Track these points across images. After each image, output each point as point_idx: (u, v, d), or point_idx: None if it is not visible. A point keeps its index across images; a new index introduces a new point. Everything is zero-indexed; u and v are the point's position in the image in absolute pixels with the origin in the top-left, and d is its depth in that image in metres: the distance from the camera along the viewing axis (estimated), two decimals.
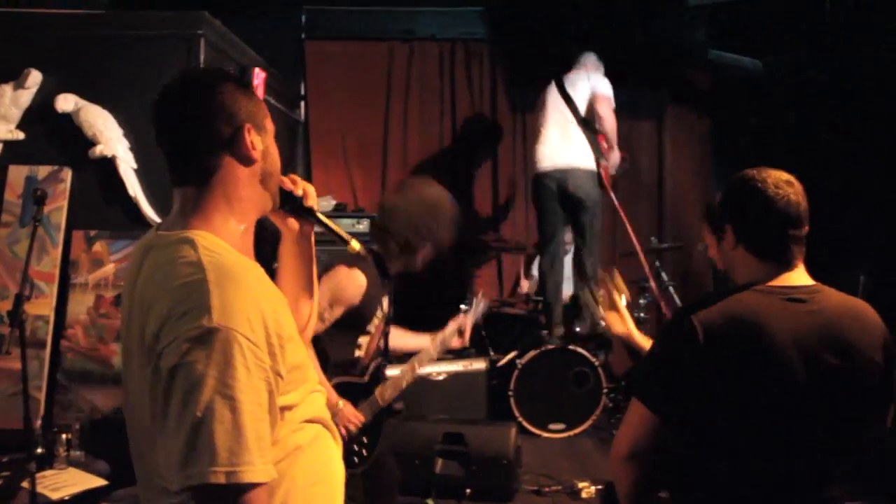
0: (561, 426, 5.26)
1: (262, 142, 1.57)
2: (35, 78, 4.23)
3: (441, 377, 5.07)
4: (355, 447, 2.99)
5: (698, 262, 6.69)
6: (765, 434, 1.82)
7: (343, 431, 2.88)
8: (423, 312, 6.47)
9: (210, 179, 1.51)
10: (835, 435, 1.83)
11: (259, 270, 1.50)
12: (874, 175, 5.42)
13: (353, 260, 2.87)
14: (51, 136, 4.31)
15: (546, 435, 5.20)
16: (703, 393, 1.84)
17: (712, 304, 1.96)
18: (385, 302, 3.10)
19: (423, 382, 5.03)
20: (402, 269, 3.09)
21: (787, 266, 1.91)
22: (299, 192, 1.75)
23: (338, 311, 2.89)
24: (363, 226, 5.55)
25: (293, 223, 1.80)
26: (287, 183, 1.71)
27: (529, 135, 6.78)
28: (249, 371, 1.32)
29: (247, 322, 1.33)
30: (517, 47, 6.67)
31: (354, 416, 2.94)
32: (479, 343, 5.68)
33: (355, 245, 1.85)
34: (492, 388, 5.26)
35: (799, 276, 1.91)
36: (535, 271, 6.37)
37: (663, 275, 5.85)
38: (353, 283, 2.91)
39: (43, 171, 4.29)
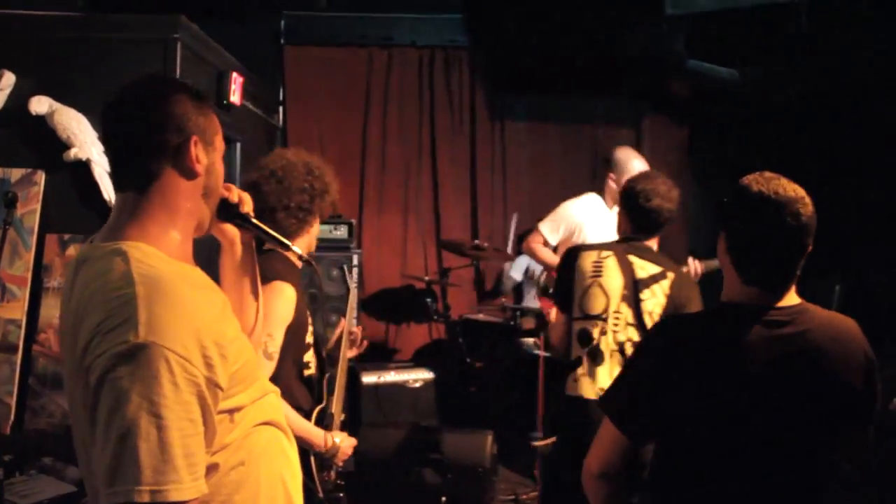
0: (539, 434, 5.25)
1: (207, 157, 1.56)
2: (8, 79, 4.18)
3: (417, 384, 5.06)
4: (338, 482, 2.86)
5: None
6: (733, 459, 1.80)
7: (341, 464, 2.70)
8: (396, 318, 6.51)
9: (149, 187, 1.50)
10: (806, 453, 1.81)
11: (196, 276, 1.51)
12: (849, 184, 5.47)
13: (272, 274, 2.55)
14: (24, 138, 4.25)
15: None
16: (671, 415, 1.82)
17: (686, 325, 1.97)
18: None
19: (400, 389, 5.01)
20: (306, 250, 2.81)
21: (774, 293, 1.83)
22: (234, 199, 1.74)
23: (280, 338, 2.53)
24: (341, 232, 5.54)
25: (231, 231, 1.80)
26: (222, 191, 1.69)
27: (508, 142, 6.81)
28: (177, 387, 1.30)
29: (175, 336, 1.32)
30: (496, 55, 6.68)
31: (351, 445, 2.75)
32: (456, 350, 5.68)
33: (296, 251, 1.88)
34: (468, 396, 5.26)
35: (786, 299, 1.84)
36: (511, 276, 6.38)
37: None
38: (283, 299, 2.57)
39: (16, 173, 4.24)
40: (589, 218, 4.72)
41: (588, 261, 3.29)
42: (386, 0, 6.65)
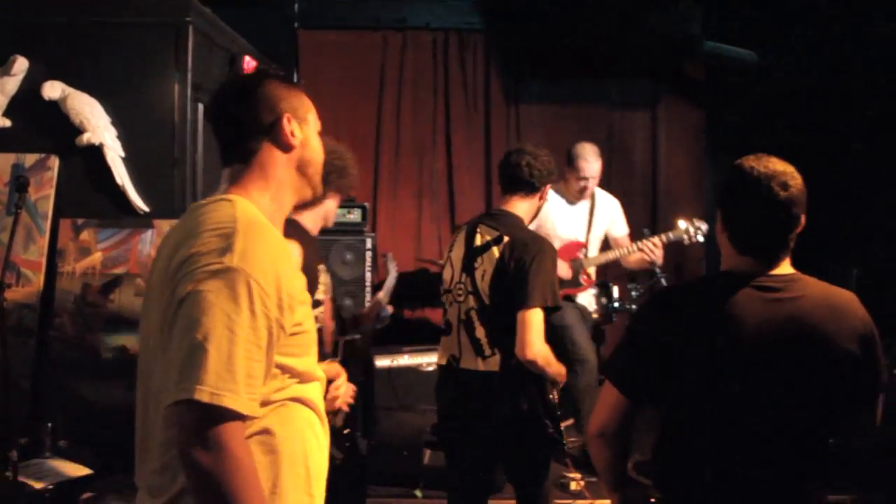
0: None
1: (302, 132, 1.76)
2: (21, 65, 4.19)
3: (430, 368, 5.05)
4: (345, 431, 2.96)
5: (692, 253, 6.67)
6: (730, 419, 1.84)
7: (346, 407, 2.79)
8: (410, 303, 6.51)
9: (251, 160, 1.72)
10: (803, 422, 1.83)
11: (285, 242, 1.66)
12: (870, 169, 5.41)
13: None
14: (37, 123, 4.27)
15: None
16: (667, 376, 1.88)
17: (683, 291, 2.09)
18: (322, 265, 3.04)
19: (412, 373, 5.01)
20: (318, 225, 3.06)
21: (767, 262, 1.89)
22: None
23: None
24: (355, 215, 5.53)
25: None
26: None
27: (523, 125, 6.78)
28: (255, 314, 1.46)
29: (262, 271, 1.49)
30: (511, 37, 6.64)
31: (350, 392, 2.78)
32: None
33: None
34: None
35: (779, 268, 1.90)
36: None
37: (656, 267, 5.83)
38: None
39: (30, 158, 4.26)
40: (554, 208, 5.01)
41: (453, 239, 3.53)
42: None
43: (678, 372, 1.86)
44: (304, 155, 1.77)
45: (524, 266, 3.08)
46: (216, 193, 1.73)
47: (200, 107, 4.42)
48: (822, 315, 1.82)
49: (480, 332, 3.17)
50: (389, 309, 3.50)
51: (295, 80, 6.63)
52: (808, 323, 1.81)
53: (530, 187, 3.32)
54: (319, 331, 2.91)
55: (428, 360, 5.04)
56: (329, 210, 3.06)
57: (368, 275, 5.46)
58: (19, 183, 3.23)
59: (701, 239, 5.02)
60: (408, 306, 6.54)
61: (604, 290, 5.58)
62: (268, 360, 1.50)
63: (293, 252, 2.70)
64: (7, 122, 4.25)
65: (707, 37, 6.39)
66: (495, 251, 3.18)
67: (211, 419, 1.38)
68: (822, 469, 1.87)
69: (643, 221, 6.40)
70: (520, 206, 3.35)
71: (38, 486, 3.35)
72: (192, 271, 1.47)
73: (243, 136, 1.73)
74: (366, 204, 5.70)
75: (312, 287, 2.79)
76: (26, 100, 4.22)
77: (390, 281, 3.73)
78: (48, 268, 4.22)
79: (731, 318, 1.82)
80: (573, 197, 5.08)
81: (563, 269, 4.72)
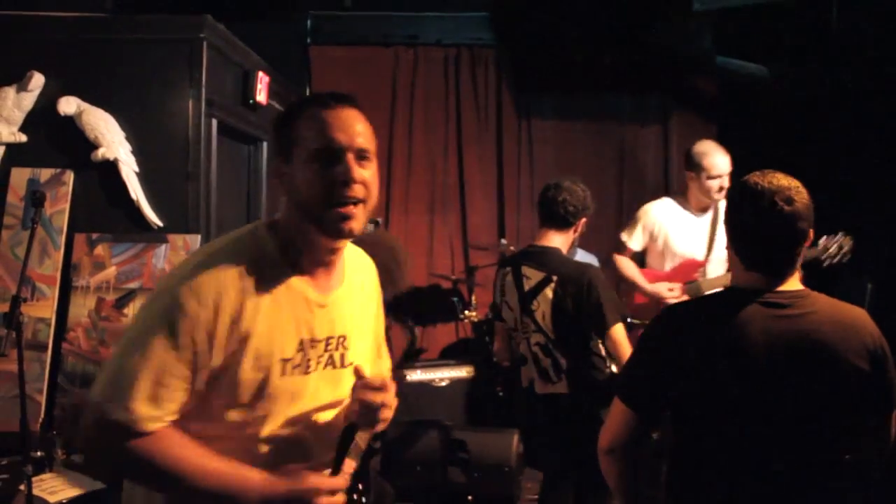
0: None
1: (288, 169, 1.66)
2: (38, 81, 4.23)
3: (444, 383, 5.05)
4: (354, 496, 2.90)
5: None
6: (739, 436, 1.83)
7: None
8: (422, 318, 6.50)
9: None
10: (813, 439, 1.82)
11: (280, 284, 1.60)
12: (882, 182, 5.39)
13: None
14: (53, 138, 4.31)
15: None
16: (675, 391, 1.87)
17: (691, 308, 2.07)
18: None
19: (426, 388, 5.00)
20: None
21: (775, 278, 1.89)
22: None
23: None
24: (367, 230, 5.53)
25: None
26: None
27: (535, 141, 6.78)
28: (175, 337, 1.47)
29: (196, 299, 1.48)
30: (522, 52, 6.65)
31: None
32: (483, 349, 5.66)
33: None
34: (495, 396, 5.23)
35: (786, 284, 1.89)
36: None
37: None
38: None
39: (45, 173, 4.29)
40: (671, 222, 4.33)
41: (500, 279, 3.69)
42: None
43: (687, 388, 1.85)
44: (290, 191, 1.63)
45: (583, 299, 3.29)
46: None
47: (214, 122, 4.45)
48: (830, 332, 1.81)
49: (546, 363, 3.40)
50: None
51: (307, 95, 6.67)
52: (817, 339, 1.80)
53: (565, 223, 3.47)
54: None
55: (441, 375, 5.04)
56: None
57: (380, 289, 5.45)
58: (35, 198, 3.24)
59: (844, 260, 4.20)
60: (419, 321, 6.54)
61: None
62: (183, 381, 1.49)
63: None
64: (23, 138, 4.29)
65: (718, 51, 6.41)
66: (548, 292, 3.36)
67: (98, 427, 1.48)
68: (837, 486, 1.85)
69: None
70: (556, 240, 3.49)
71: (52, 500, 3.35)
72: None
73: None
74: (378, 219, 5.71)
75: None
76: (42, 115, 4.26)
77: None
78: (62, 282, 4.25)
79: (738, 335, 1.81)
80: (698, 207, 4.32)
81: (668, 292, 4.16)
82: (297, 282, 1.61)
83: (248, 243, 1.60)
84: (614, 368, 3.35)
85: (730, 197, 1.97)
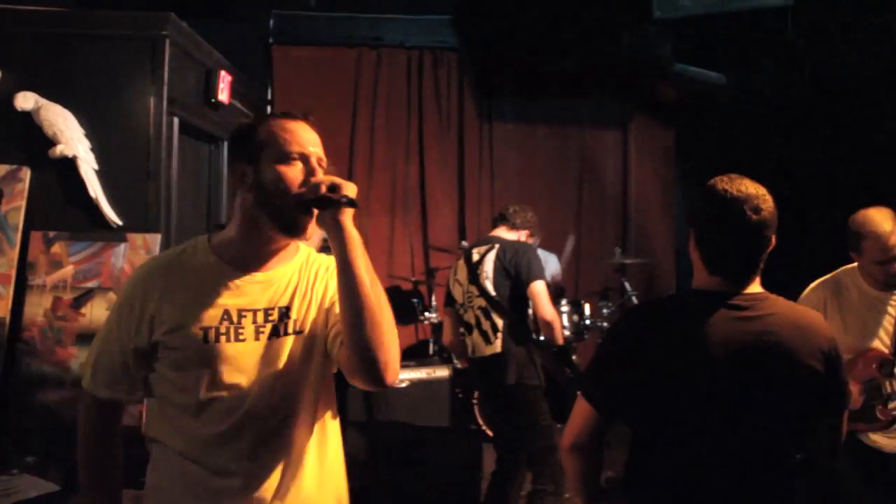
0: None
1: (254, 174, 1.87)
2: None
3: (404, 384, 5.06)
4: None
5: (663, 270, 6.76)
6: (698, 434, 1.87)
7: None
8: None
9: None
10: (770, 437, 1.86)
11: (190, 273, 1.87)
12: (839, 189, 5.51)
13: None
14: (9, 134, 4.22)
15: None
16: (637, 391, 1.91)
17: (653, 308, 2.12)
18: None
19: (386, 389, 5.01)
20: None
21: (737, 282, 1.92)
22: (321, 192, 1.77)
23: None
24: None
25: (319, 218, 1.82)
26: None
27: (496, 144, 6.83)
28: (117, 315, 1.87)
29: (127, 290, 1.88)
30: (484, 56, 6.69)
31: None
32: (443, 350, 5.68)
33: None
34: (455, 397, 5.26)
35: (748, 287, 1.93)
36: None
37: (626, 285, 5.89)
38: None
39: (1, 169, 4.21)
40: (841, 298, 3.36)
41: (453, 269, 4.51)
42: (375, 0, 6.66)
43: (648, 388, 1.89)
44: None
45: (518, 260, 4.04)
46: None
47: (176, 121, 4.40)
48: (788, 333, 1.86)
49: (486, 325, 4.02)
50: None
51: (269, 94, 6.64)
52: (775, 341, 1.85)
53: (513, 225, 4.27)
54: None
55: (401, 377, 5.04)
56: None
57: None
58: None
59: None
60: None
61: (575, 307, 5.63)
62: (124, 354, 1.85)
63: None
64: None
65: (677, 59, 6.50)
66: (492, 255, 4.10)
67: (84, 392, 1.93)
68: (789, 484, 1.90)
69: (614, 241, 6.48)
70: (504, 232, 4.26)
71: (7, 503, 3.30)
72: None
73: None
74: None
75: None
76: None
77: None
78: (18, 281, 4.17)
79: (699, 336, 1.85)
80: (878, 283, 3.22)
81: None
82: (222, 265, 1.86)
83: (184, 245, 1.93)
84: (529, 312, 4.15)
85: (698, 202, 1.98)
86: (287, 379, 1.83)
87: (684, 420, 1.88)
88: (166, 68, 4.27)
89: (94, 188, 4.20)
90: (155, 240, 4.21)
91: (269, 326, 1.82)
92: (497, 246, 4.13)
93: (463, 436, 4.37)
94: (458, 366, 5.48)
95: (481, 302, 4.09)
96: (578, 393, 2.02)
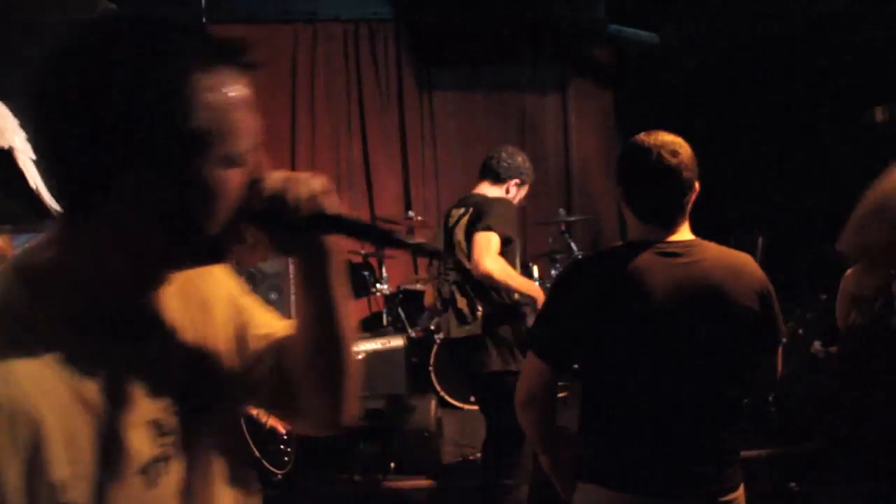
0: None
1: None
2: None
3: (360, 356, 5.11)
4: (282, 447, 2.97)
5: (607, 230, 6.89)
6: (643, 377, 1.94)
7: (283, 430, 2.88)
8: None
9: None
10: (712, 376, 1.95)
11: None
12: (772, 140, 5.66)
13: None
14: None
15: (467, 407, 5.29)
16: (584, 341, 1.98)
17: (592, 261, 2.21)
18: None
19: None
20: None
21: (667, 228, 2.00)
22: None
23: None
24: None
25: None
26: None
27: (437, 113, 6.86)
28: None
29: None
30: (421, 26, 6.70)
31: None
32: (396, 321, 5.74)
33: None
34: (411, 365, 5.32)
35: (678, 234, 2.00)
36: None
37: (573, 245, 5.99)
38: None
39: None
40: None
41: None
42: None
43: (591, 337, 1.96)
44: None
45: (482, 214, 3.42)
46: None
47: None
48: (721, 275, 1.93)
49: (462, 303, 3.51)
50: None
51: None
52: (710, 283, 1.92)
53: (496, 176, 3.64)
54: None
55: (357, 348, 5.09)
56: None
57: (292, 268, 5.47)
58: None
59: None
60: None
61: (524, 270, 5.70)
62: None
63: None
64: None
65: (611, 20, 6.59)
66: (465, 220, 3.51)
67: None
68: (732, 420, 1.98)
69: (559, 202, 6.58)
70: (486, 188, 3.63)
71: None
72: None
73: None
74: None
75: None
76: None
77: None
78: None
79: (637, 284, 1.92)
80: None
81: None
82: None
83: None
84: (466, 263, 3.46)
85: (620, 156, 2.07)
86: None
87: (628, 367, 1.94)
88: None
89: (35, 179, 4.14)
90: None
91: None
92: (472, 209, 3.52)
93: (421, 399, 4.42)
94: (413, 334, 5.55)
95: (455, 276, 3.55)
96: (528, 349, 2.09)
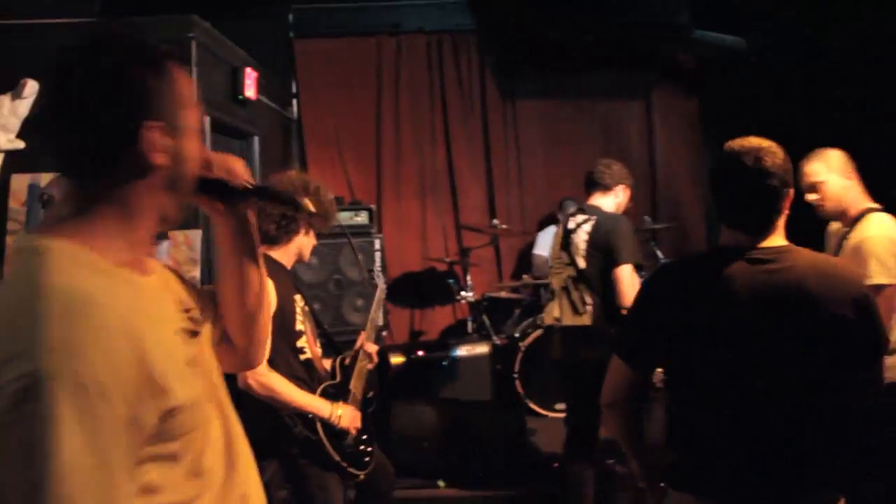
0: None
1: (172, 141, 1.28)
2: (31, 88, 4.28)
3: (445, 363, 5.16)
4: (361, 448, 3.02)
5: (694, 238, 6.79)
6: (730, 388, 1.92)
7: (354, 433, 2.92)
8: (420, 301, 6.63)
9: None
10: (803, 385, 1.89)
11: (139, 287, 1.24)
12: (864, 145, 5.50)
13: None
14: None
15: (552, 415, 5.28)
16: (664, 346, 1.99)
17: (676, 266, 2.25)
18: (299, 296, 3.00)
19: (429, 368, 5.11)
20: (292, 260, 3.02)
21: (755, 233, 1.97)
22: (221, 174, 1.40)
23: None
24: (362, 217, 5.62)
25: (221, 208, 1.47)
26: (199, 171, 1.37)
27: (520, 121, 6.89)
28: (95, 433, 1.04)
29: (99, 359, 1.06)
30: (503, 35, 6.74)
31: (356, 415, 2.95)
32: (481, 328, 5.77)
33: (309, 205, 1.56)
34: (496, 372, 5.35)
35: (769, 241, 1.96)
36: (536, 253, 6.46)
37: (658, 253, 5.93)
38: None
39: (45, 178, 4.35)
40: None
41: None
42: None
43: (674, 343, 1.96)
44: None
45: (610, 240, 3.81)
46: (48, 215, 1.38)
47: (207, 119, 4.51)
48: (813, 282, 1.87)
49: (576, 296, 3.88)
50: (373, 350, 3.35)
51: (294, 89, 6.75)
52: (800, 290, 1.87)
53: (604, 187, 4.04)
54: (309, 360, 2.96)
55: (442, 355, 5.14)
56: (303, 245, 3.03)
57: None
58: (44, 200, 3.33)
59: None
60: (418, 305, 6.65)
61: None
62: (126, 470, 1.09)
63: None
64: (21, 144, 4.33)
65: (696, 25, 6.50)
66: (585, 228, 3.92)
67: None
68: (830, 434, 1.91)
69: (644, 210, 6.52)
70: (599, 200, 4.03)
71: None
72: None
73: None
74: (372, 206, 5.80)
75: (290, 319, 2.88)
76: (38, 121, 4.29)
77: (379, 295, 3.64)
78: None
79: (722, 289, 1.90)
80: None
81: None
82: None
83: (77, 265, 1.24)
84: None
85: (713, 163, 2.07)
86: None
87: (716, 375, 1.93)
88: (194, 69, 4.37)
89: None
90: (196, 236, 4.33)
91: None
92: (593, 221, 3.92)
93: (506, 409, 4.45)
94: (498, 342, 5.57)
95: (571, 272, 3.94)
96: (614, 352, 2.10)
